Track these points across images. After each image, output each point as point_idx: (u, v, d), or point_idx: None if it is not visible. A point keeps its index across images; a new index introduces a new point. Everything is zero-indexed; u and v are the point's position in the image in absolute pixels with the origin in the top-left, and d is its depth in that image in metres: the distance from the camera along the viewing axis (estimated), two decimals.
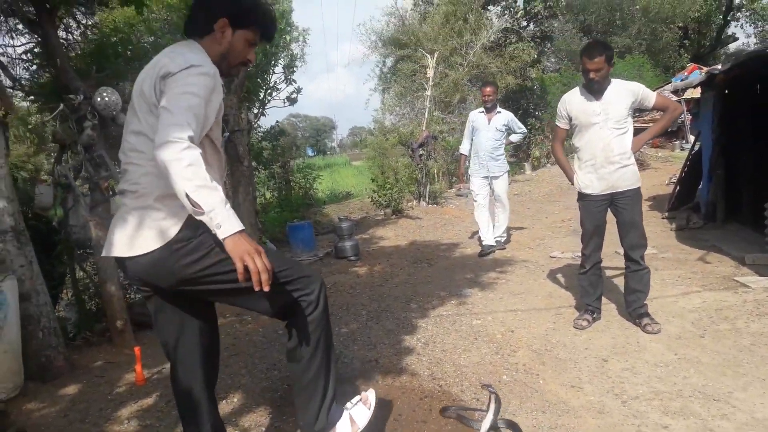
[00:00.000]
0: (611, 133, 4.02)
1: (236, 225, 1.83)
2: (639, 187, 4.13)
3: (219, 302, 2.28)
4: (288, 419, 3.21)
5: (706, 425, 2.82)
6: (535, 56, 19.33)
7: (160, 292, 2.12)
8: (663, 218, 8.42)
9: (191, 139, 1.84)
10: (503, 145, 7.15)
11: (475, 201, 7.25)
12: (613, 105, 4.00)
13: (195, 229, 1.98)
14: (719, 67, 6.94)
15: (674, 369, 3.47)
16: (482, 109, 7.17)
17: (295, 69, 9.38)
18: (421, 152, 11.23)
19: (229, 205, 1.84)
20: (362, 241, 8.11)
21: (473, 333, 4.37)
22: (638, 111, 4.18)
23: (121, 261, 2.08)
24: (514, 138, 7.33)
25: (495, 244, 7.20)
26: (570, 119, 4.19)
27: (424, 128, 12.44)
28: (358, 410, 2.39)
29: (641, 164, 15.71)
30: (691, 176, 8.62)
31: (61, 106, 4.65)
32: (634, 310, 4.20)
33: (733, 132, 7.21)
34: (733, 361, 3.49)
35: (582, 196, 4.25)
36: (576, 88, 4.22)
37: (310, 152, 40.10)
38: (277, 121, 11.80)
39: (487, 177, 7.13)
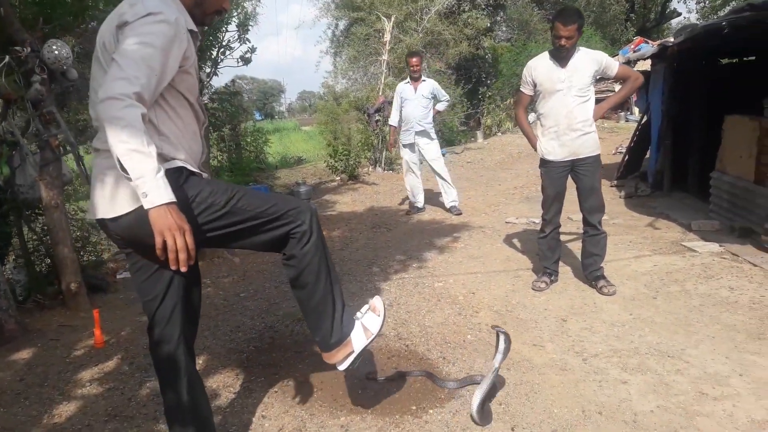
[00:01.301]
0: (574, 100, 4.08)
1: (164, 197, 1.73)
2: (599, 155, 4.23)
3: (206, 247, 2.24)
4: (256, 379, 3.21)
5: (662, 380, 2.96)
6: (488, 25, 19.36)
7: (144, 250, 2.04)
8: (612, 186, 8.67)
9: (138, 96, 1.74)
10: (431, 113, 7.36)
11: (406, 168, 7.59)
12: (578, 73, 4.05)
13: (175, 179, 1.91)
14: (671, 39, 7.11)
15: (630, 328, 3.62)
16: (408, 80, 7.44)
17: (249, 28, 9.10)
18: (377, 118, 11.18)
19: (161, 173, 1.73)
20: (319, 205, 8.07)
21: (436, 295, 4.44)
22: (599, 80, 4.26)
23: (101, 221, 2.01)
24: (440, 107, 7.60)
25: (423, 208, 7.74)
26: (535, 85, 4.22)
27: (380, 94, 12.36)
28: (369, 318, 2.39)
29: None
30: (639, 146, 8.90)
31: (7, 58, 4.38)
32: (591, 273, 4.34)
33: (683, 104, 7.45)
34: (684, 321, 3.67)
35: (544, 162, 4.32)
36: (543, 54, 4.25)
37: (257, 116, 39.31)
38: (233, 81, 11.46)
39: (414, 144, 7.39)
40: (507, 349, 2.81)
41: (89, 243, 5.58)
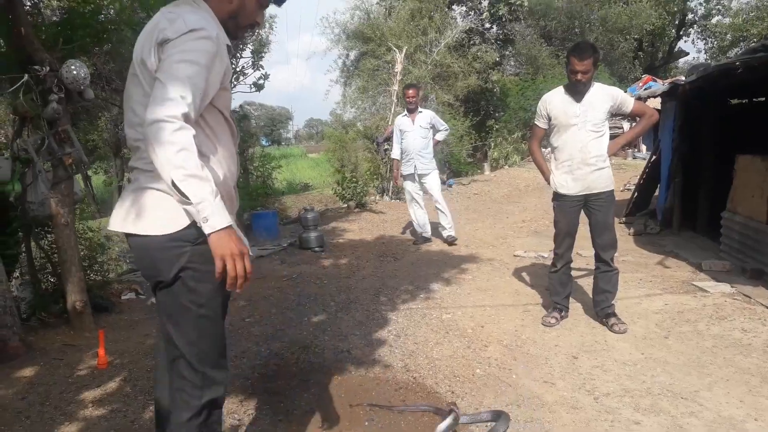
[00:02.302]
0: (589, 135, 4.07)
1: (224, 220, 1.70)
2: (613, 190, 4.22)
3: (159, 313, 2.02)
4: (261, 407, 3.16)
5: (676, 422, 2.90)
6: (497, 59, 19.56)
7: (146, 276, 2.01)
8: (620, 223, 8.62)
9: (186, 116, 1.70)
10: (430, 143, 7.38)
11: (409, 198, 7.60)
12: (593, 108, 4.05)
13: (198, 234, 1.78)
14: (682, 78, 7.16)
15: (642, 368, 3.56)
16: (405, 112, 7.51)
17: (263, 54, 9.22)
18: (386, 147, 11.22)
19: (219, 197, 1.71)
20: (326, 233, 8.05)
21: (444, 327, 4.38)
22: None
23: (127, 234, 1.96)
24: (439, 136, 7.63)
25: (429, 238, 7.68)
26: (549, 119, 4.21)
27: (390, 123, 12.43)
28: None
29: None
30: (648, 183, 8.89)
31: (26, 76, 4.43)
32: (602, 310, 4.29)
33: (693, 142, 7.46)
34: (697, 362, 3.61)
35: (557, 196, 4.30)
36: (558, 89, 4.25)
37: (264, 142, 39.55)
38: (241, 105, 11.56)
39: (414, 173, 7.40)
40: (453, 426, 2.78)
41: (96, 263, 5.56)
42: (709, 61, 18.01)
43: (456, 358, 3.79)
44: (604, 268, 4.25)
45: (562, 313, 4.42)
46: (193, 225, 1.78)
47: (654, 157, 8.85)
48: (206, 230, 1.70)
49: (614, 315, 4.24)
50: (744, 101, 8.78)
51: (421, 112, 7.39)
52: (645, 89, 9.17)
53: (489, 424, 2.92)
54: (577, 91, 4.05)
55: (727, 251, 6.01)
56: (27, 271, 5.05)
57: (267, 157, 13.35)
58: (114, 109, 12.12)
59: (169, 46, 1.79)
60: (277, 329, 4.43)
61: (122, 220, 1.92)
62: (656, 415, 2.98)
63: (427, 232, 7.67)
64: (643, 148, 19.98)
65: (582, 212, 4.29)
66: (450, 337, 4.17)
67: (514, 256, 6.73)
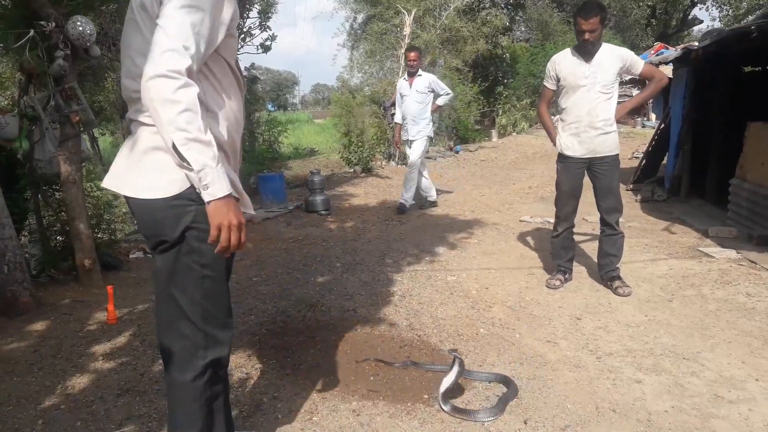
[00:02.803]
0: (598, 97, 4.04)
1: (225, 188, 1.63)
2: (618, 154, 4.20)
3: (157, 273, 1.89)
4: (268, 361, 3.21)
5: (677, 381, 2.93)
6: (507, 23, 19.28)
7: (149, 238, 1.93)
8: (627, 190, 8.60)
9: (189, 70, 1.57)
10: (428, 109, 7.21)
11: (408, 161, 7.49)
12: (602, 69, 4.01)
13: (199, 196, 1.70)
14: (695, 44, 7.04)
15: (645, 329, 3.59)
16: (406, 75, 7.37)
17: (270, 15, 9.08)
18: (393, 111, 11.12)
19: (220, 164, 1.63)
20: (332, 197, 8.05)
21: (449, 288, 4.42)
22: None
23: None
24: (440, 101, 7.41)
25: (435, 202, 7.64)
26: (558, 80, 4.18)
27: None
28: None
29: None
30: (657, 151, 8.83)
31: (31, 32, 4.40)
32: (606, 273, 4.31)
33: (703, 109, 7.37)
34: (700, 324, 3.63)
35: (562, 158, 4.29)
36: (567, 50, 4.22)
37: (270, 107, 39.30)
38: (250, 67, 11.45)
39: (407, 139, 7.35)
40: (460, 373, 2.77)
41: (104, 221, 5.60)
42: (723, 28, 17.67)
43: (460, 318, 3.83)
44: (609, 232, 4.25)
45: (566, 276, 4.44)
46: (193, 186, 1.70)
47: (663, 125, 8.77)
48: (205, 197, 1.63)
49: (619, 278, 4.26)
50: (757, 69, 8.65)
51: (420, 75, 7.20)
52: (657, 56, 9.01)
53: (493, 384, 2.95)
54: (586, 51, 4.01)
55: (734, 218, 5.99)
56: (36, 229, 5.09)
57: (273, 121, 13.30)
58: (120, 69, 12.07)
59: None
60: (283, 288, 4.48)
61: (121, 180, 1.82)
62: (658, 374, 3.01)
63: (432, 195, 7.63)
64: (653, 116, 19.81)
65: (587, 177, 4.27)
66: (454, 298, 4.20)
67: (520, 221, 6.74)
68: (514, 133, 16.95)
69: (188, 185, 1.70)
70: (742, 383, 2.89)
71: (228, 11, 1.74)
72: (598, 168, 4.17)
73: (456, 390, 2.82)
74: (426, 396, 2.83)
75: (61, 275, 4.81)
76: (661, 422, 2.56)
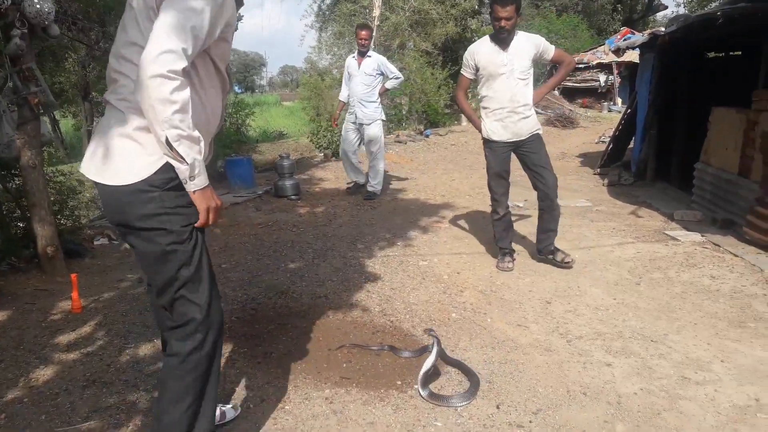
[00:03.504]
0: (517, 83, 4.21)
1: (206, 179, 1.82)
2: (539, 132, 4.37)
3: (141, 261, 2.02)
4: (239, 350, 3.17)
5: (646, 363, 2.99)
6: (476, 6, 19.22)
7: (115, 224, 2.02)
8: (595, 174, 8.74)
9: (185, 71, 1.67)
10: (375, 91, 6.99)
11: (342, 144, 7.38)
12: (519, 56, 4.19)
13: (167, 179, 1.82)
14: (662, 29, 7.12)
15: (614, 312, 3.64)
16: (355, 54, 7.11)
17: None
18: None
19: (201, 156, 1.78)
20: (302, 181, 7.97)
21: (420, 273, 4.42)
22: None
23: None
24: (389, 84, 7.13)
25: (360, 181, 7.46)
26: (477, 69, 4.33)
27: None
28: None
29: (571, 122, 16.21)
30: (624, 135, 8.95)
31: None
32: (546, 247, 4.48)
33: (668, 94, 7.48)
34: (667, 307, 3.70)
35: (489, 143, 4.43)
36: (483, 38, 4.37)
37: (237, 89, 38.73)
38: None
39: (355, 122, 7.12)
40: (439, 353, 2.79)
41: (67, 207, 5.43)
42: (689, 13, 17.96)
43: (432, 303, 3.84)
44: (551, 206, 4.36)
45: (513, 256, 4.56)
46: (161, 171, 1.80)
47: (629, 109, 8.89)
48: (191, 188, 1.80)
49: (559, 249, 4.46)
50: (720, 54, 8.81)
51: (369, 56, 6.94)
52: (624, 40, 9.10)
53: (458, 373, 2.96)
54: (502, 39, 4.17)
55: (698, 202, 6.12)
56: None
57: (240, 104, 13.09)
58: (81, 49, 11.70)
59: None
60: (253, 275, 4.42)
61: (93, 167, 1.87)
62: (627, 357, 3.06)
63: (361, 179, 7.48)
64: (619, 101, 20.10)
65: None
66: (426, 283, 4.21)
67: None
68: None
69: (152, 172, 1.80)
70: (708, 365, 2.96)
71: (226, 17, 1.82)
72: (525, 148, 4.34)
73: (434, 374, 2.82)
74: (399, 382, 2.82)
75: (22, 263, 4.65)
76: (630, 404, 2.61)
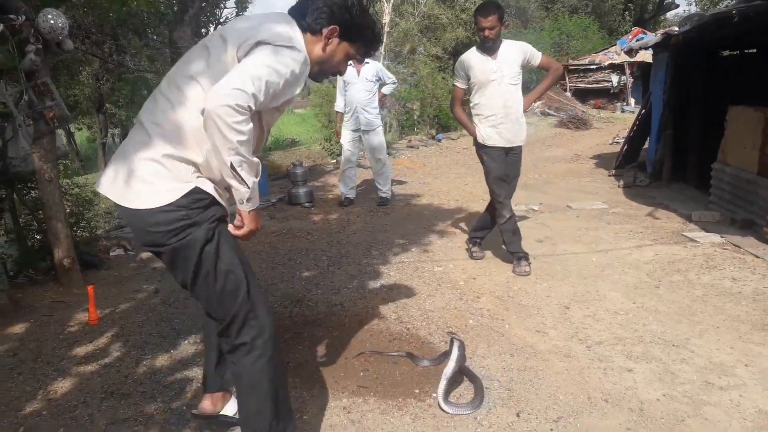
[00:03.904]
0: (508, 89, 4.31)
1: (258, 201, 1.96)
2: (523, 144, 4.52)
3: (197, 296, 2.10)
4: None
5: (668, 369, 2.93)
6: None
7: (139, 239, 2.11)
8: (610, 176, 8.65)
9: (251, 110, 1.78)
10: (376, 98, 6.95)
11: (345, 158, 7.16)
12: (508, 62, 4.27)
13: (194, 200, 1.92)
14: (675, 28, 7.05)
15: (634, 317, 3.58)
16: (350, 61, 6.97)
17: (247, 6, 8.93)
18: None
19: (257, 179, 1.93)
20: (315, 188, 7.98)
21: (436, 279, 4.38)
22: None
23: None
24: (386, 90, 7.12)
25: (352, 197, 7.33)
26: (468, 78, 4.39)
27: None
28: None
29: (584, 124, 16.11)
30: (639, 136, 8.87)
31: (1, 26, 4.26)
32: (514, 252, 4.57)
33: (683, 94, 7.40)
34: (688, 310, 3.64)
35: (485, 148, 4.47)
36: (472, 49, 4.43)
37: None
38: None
39: (358, 131, 7.01)
40: (461, 357, 2.76)
41: (83, 219, 5.46)
42: (702, 11, 17.82)
43: (449, 310, 3.80)
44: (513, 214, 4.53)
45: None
46: (188, 194, 1.89)
47: (643, 110, 8.81)
48: (246, 207, 1.93)
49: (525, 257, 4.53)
50: (735, 53, 8.71)
51: (367, 63, 6.81)
52: (636, 41, 9.03)
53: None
54: (489, 48, 4.25)
55: (716, 202, 6.03)
56: (12, 228, 4.96)
57: None
58: (94, 62, 11.82)
59: (268, 46, 1.86)
60: (269, 284, 4.41)
61: (116, 189, 1.93)
62: (648, 362, 3.01)
63: (352, 194, 7.36)
64: (632, 101, 19.95)
65: None
66: (442, 290, 4.17)
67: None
68: None
69: (179, 196, 1.88)
70: (732, 369, 2.90)
71: (294, 90, 1.97)
72: (511, 158, 4.48)
73: (455, 381, 2.79)
74: (417, 390, 2.80)
75: (39, 275, 4.69)
76: (653, 411, 2.56)
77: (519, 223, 5.85)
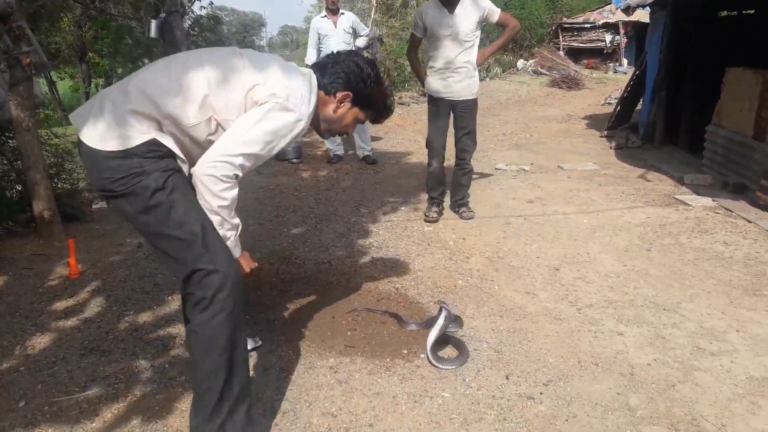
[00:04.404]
0: (461, 45, 4.36)
1: (240, 250, 2.06)
2: (476, 98, 4.60)
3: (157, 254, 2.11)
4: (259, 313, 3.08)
5: (659, 333, 2.91)
6: None
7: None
8: (601, 137, 8.57)
9: (237, 177, 1.90)
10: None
11: None
12: (463, 19, 4.31)
13: (144, 152, 1.87)
14: None
15: (624, 280, 3.55)
16: (324, 13, 6.74)
17: None
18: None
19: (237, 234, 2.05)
20: (304, 145, 7.80)
21: (426, 239, 4.32)
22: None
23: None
24: (360, 42, 6.88)
25: (341, 153, 7.24)
26: (425, 29, 4.45)
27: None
28: None
29: (577, 84, 15.94)
30: (632, 97, 8.76)
31: None
32: (455, 201, 4.85)
33: (678, 54, 7.27)
34: (679, 274, 3.61)
35: (431, 98, 4.64)
36: (431, 1, 4.43)
37: None
38: (210, 2, 10.96)
39: None
40: (445, 326, 2.71)
41: (64, 170, 5.30)
42: None
43: (438, 270, 3.75)
44: (463, 165, 4.72)
45: (440, 207, 4.78)
46: (145, 143, 1.85)
47: (638, 71, 8.67)
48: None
49: (466, 205, 4.82)
50: (732, 13, 8.54)
51: (343, 13, 6.68)
52: (624, 1, 8.84)
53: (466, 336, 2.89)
54: (448, 2, 4.28)
55: (709, 165, 5.98)
56: None
57: None
58: (77, 9, 11.41)
59: (266, 110, 1.91)
60: (255, 240, 4.32)
61: (86, 126, 1.91)
62: (639, 326, 2.98)
63: (340, 149, 7.22)
64: (624, 62, 19.73)
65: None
66: (432, 249, 4.11)
67: (496, 169, 6.65)
68: (488, 79, 16.69)
69: (135, 144, 1.84)
70: (723, 334, 2.88)
71: (280, 146, 1.99)
72: (460, 111, 4.55)
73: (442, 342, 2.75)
74: (405, 351, 2.75)
75: (19, 227, 4.56)
76: (644, 375, 2.53)
77: (510, 183, 5.83)
